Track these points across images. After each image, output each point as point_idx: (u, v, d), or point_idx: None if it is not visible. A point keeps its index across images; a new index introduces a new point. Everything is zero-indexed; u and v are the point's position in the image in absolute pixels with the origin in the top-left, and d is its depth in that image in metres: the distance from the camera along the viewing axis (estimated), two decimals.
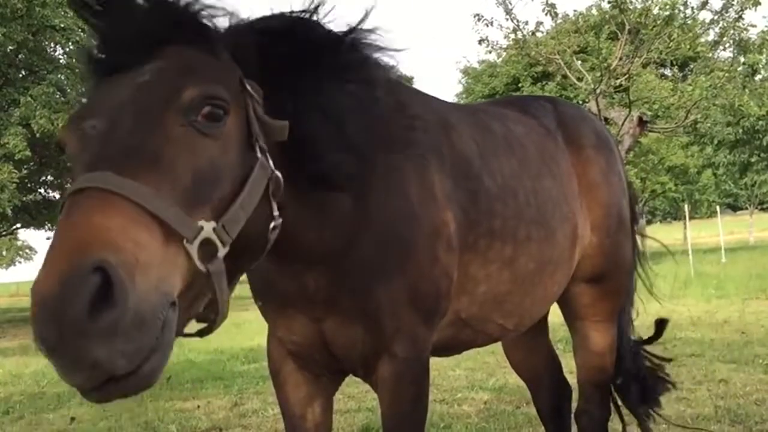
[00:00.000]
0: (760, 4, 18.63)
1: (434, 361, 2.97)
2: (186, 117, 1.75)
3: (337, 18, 2.24)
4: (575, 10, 26.19)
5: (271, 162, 1.90)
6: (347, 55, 2.25)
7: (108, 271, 1.40)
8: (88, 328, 1.37)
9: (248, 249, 1.88)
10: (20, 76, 26.10)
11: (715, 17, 19.50)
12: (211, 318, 1.75)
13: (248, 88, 1.93)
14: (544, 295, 3.23)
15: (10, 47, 24.59)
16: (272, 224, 1.94)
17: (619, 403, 4.11)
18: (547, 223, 3.07)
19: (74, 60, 26.86)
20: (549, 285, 3.20)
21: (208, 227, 1.65)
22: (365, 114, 2.24)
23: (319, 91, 2.12)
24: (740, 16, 19.19)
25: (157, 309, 1.48)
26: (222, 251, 1.69)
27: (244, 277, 2.68)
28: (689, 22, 20.00)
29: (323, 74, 2.15)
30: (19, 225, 32.10)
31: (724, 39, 20.20)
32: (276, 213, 1.93)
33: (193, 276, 1.63)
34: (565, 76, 22.29)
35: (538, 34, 20.64)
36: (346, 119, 2.16)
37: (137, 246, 1.49)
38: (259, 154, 1.87)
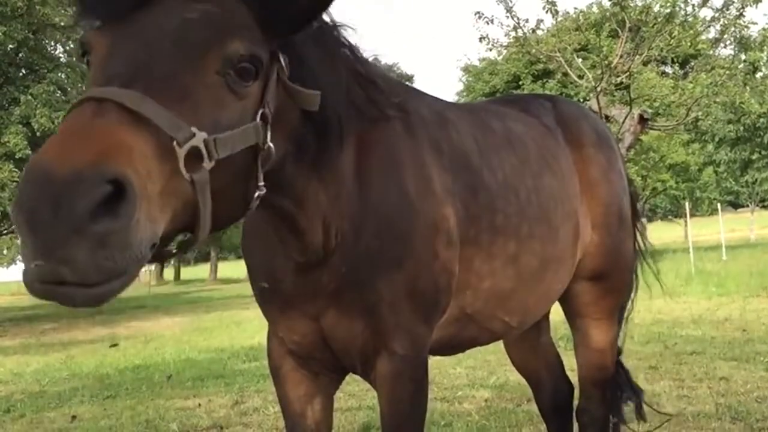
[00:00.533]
0: (761, 1, 18.60)
1: (435, 360, 2.98)
2: (223, 67, 1.75)
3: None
4: (576, 8, 26.21)
5: (269, 134, 1.90)
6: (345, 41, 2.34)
7: (125, 187, 1.42)
8: (85, 226, 1.37)
9: (231, 193, 1.85)
10: (21, 74, 26.10)
11: (716, 15, 19.47)
12: (193, 232, 1.72)
13: (280, 59, 1.95)
14: (547, 293, 3.24)
15: (11, 46, 24.60)
16: (257, 193, 1.93)
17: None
18: (550, 220, 3.07)
19: (75, 59, 26.93)
20: (552, 283, 3.20)
21: (199, 135, 1.64)
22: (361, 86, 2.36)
23: (322, 62, 2.16)
24: (741, 14, 19.16)
25: (143, 242, 1.48)
26: (207, 163, 1.66)
27: (244, 275, 2.69)
28: (690, 19, 19.97)
29: (326, 49, 2.21)
30: None
31: (725, 36, 20.18)
32: (261, 183, 1.92)
33: (178, 191, 1.62)
34: (565, 74, 22.27)
35: (539, 32, 20.62)
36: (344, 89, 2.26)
37: (149, 177, 1.51)
38: (258, 120, 1.86)
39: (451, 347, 3.07)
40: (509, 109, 3.43)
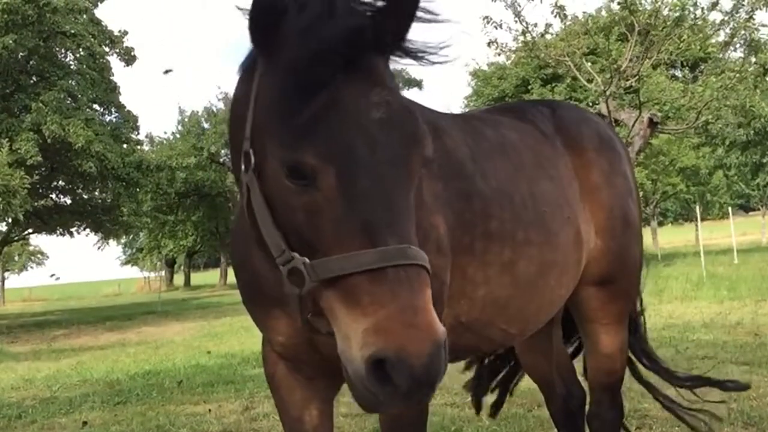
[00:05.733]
0: None
1: None
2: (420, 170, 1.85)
3: None
4: (584, 12, 26.13)
5: None
6: None
7: (444, 346, 1.65)
8: (439, 379, 1.65)
9: None
10: (31, 82, 26.31)
11: (726, 18, 19.37)
12: None
13: None
14: (550, 300, 3.21)
15: (22, 53, 24.81)
16: None
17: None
18: (547, 226, 3.05)
19: (85, 66, 27.11)
20: (554, 289, 3.17)
21: None
22: None
23: None
24: (751, 17, 19.05)
25: None
26: None
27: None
28: (699, 22, 19.87)
29: None
30: (30, 230, 32.28)
31: (735, 39, 20.07)
32: None
33: None
34: (574, 78, 22.22)
35: (548, 36, 20.55)
36: None
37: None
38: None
39: (449, 354, 3.04)
40: (504, 118, 3.41)
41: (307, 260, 1.72)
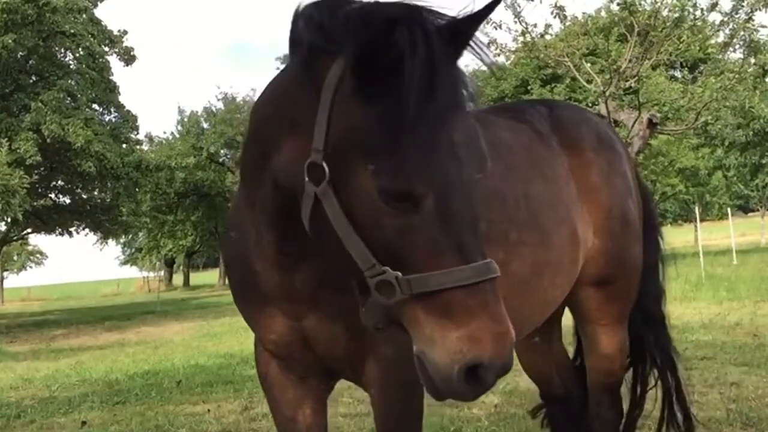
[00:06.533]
0: None
1: None
2: None
3: None
4: (584, 12, 26.11)
5: None
6: None
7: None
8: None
9: None
10: (31, 81, 26.34)
11: (725, 18, 19.38)
12: None
13: None
14: (544, 301, 3.20)
15: (21, 53, 24.83)
16: None
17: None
18: (541, 226, 3.04)
19: (84, 65, 27.11)
20: (549, 290, 3.16)
21: None
22: None
23: None
24: (750, 17, 19.06)
25: None
26: None
27: None
28: (699, 23, 19.89)
29: None
30: (30, 230, 32.30)
31: (734, 40, 20.08)
32: None
33: None
34: (574, 79, 22.26)
35: (547, 37, 20.56)
36: None
37: None
38: None
39: None
40: (499, 118, 3.39)
41: (399, 275, 1.76)
